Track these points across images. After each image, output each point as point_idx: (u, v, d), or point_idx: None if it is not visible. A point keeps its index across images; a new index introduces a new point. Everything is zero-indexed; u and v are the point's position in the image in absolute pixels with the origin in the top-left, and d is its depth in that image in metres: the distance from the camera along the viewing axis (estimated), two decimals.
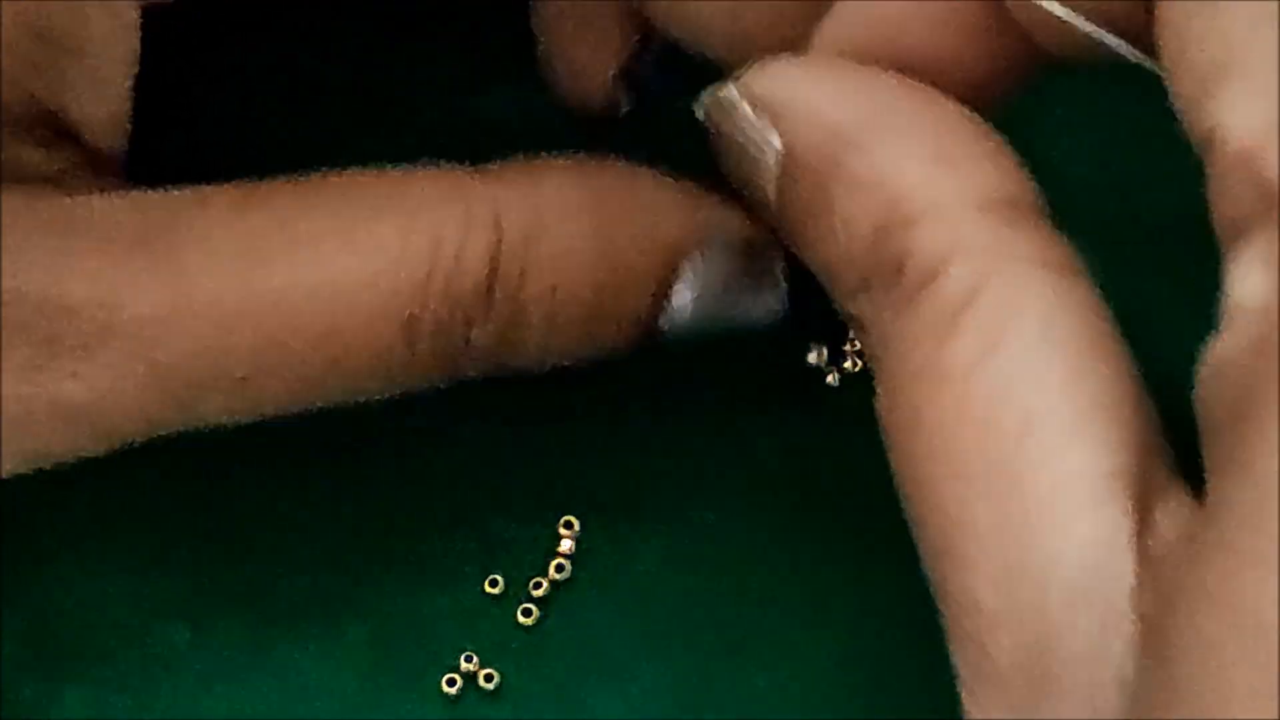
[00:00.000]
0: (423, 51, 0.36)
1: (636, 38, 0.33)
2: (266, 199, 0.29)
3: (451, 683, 0.33)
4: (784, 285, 0.31)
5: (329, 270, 0.28)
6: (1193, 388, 0.35)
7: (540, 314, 0.29)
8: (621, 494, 0.34)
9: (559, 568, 0.33)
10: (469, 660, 0.33)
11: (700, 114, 0.30)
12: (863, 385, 0.35)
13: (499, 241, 0.29)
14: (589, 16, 0.33)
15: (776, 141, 0.28)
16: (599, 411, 0.35)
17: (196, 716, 0.33)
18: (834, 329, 0.35)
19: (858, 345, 0.35)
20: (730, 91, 0.29)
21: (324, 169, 0.30)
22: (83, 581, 0.33)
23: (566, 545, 0.34)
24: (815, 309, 0.34)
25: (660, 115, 0.33)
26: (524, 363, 0.30)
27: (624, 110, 0.34)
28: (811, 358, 0.35)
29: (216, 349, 0.28)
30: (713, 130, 0.29)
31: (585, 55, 0.34)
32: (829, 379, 0.35)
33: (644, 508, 0.34)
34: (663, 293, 0.30)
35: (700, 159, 0.30)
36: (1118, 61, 0.28)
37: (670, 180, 0.31)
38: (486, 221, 0.29)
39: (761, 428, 0.35)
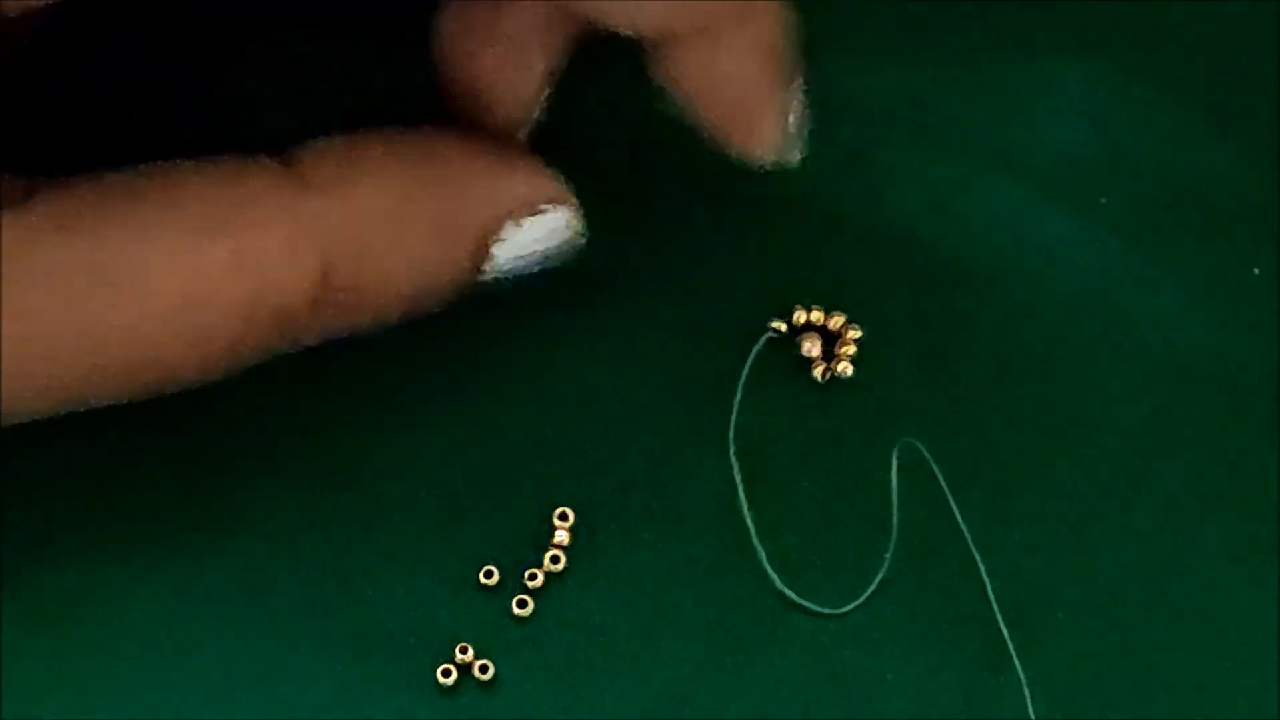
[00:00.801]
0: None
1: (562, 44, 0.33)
2: (93, 216, 0.29)
3: (446, 674, 0.33)
4: (580, 227, 0.32)
5: (154, 301, 0.29)
6: (1189, 368, 0.35)
7: (367, 311, 0.30)
8: (615, 485, 0.34)
9: (554, 559, 0.33)
10: (464, 651, 0.33)
11: None
12: (859, 382, 0.35)
13: (323, 262, 0.29)
14: (508, 29, 0.33)
15: None
16: (592, 403, 0.35)
17: (191, 709, 0.33)
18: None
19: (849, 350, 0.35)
20: None
21: None
22: (75, 575, 0.33)
23: (561, 537, 0.34)
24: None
25: None
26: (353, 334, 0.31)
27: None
28: (806, 348, 0.35)
29: (40, 373, 0.28)
30: None
31: (506, 75, 0.33)
32: (816, 372, 0.35)
33: (638, 499, 0.34)
34: (481, 258, 0.31)
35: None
36: None
37: (483, 148, 0.32)
38: (311, 245, 0.29)
39: (755, 419, 0.35)
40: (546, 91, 0.34)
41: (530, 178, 0.32)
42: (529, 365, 0.35)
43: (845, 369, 0.35)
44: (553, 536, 0.34)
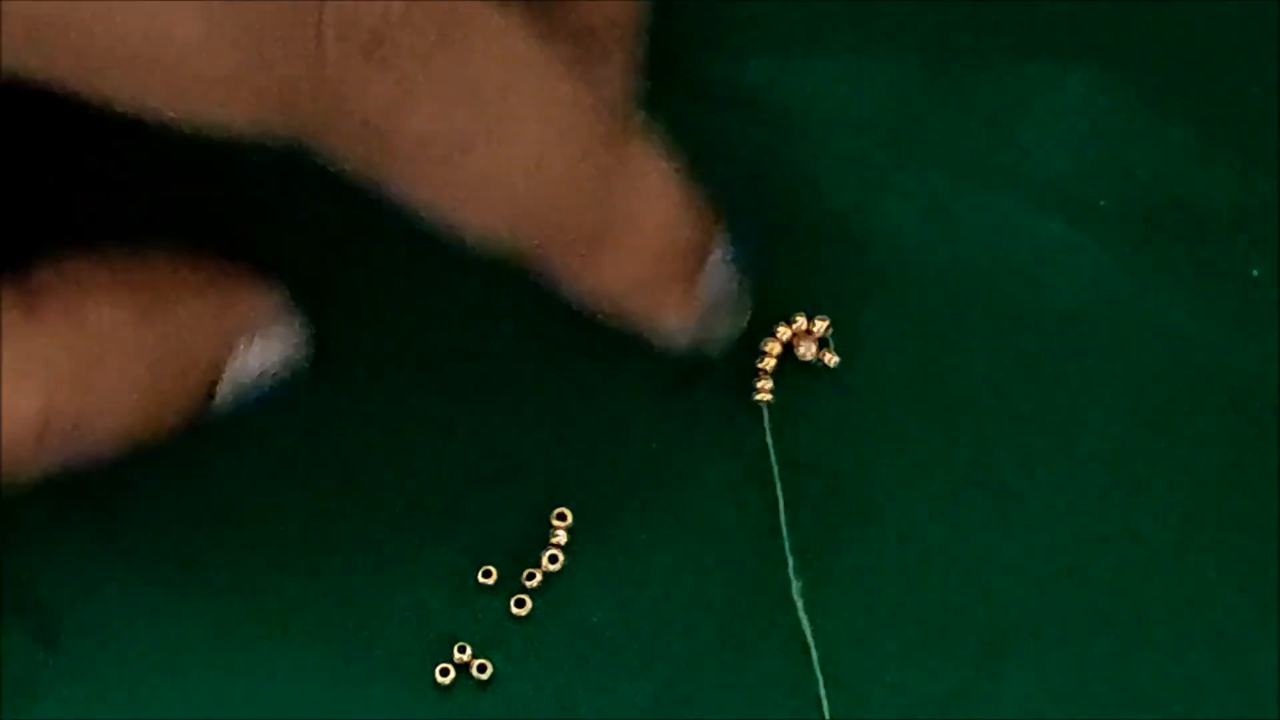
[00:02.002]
0: None
1: None
2: None
3: (445, 673, 0.33)
4: (305, 343, 0.31)
5: None
6: (1185, 373, 0.35)
7: (93, 444, 0.29)
8: (614, 485, 0.34)
9: (552, 558, 0.34)
10: (462, 651, 0.33)
11: None
12: (853, 380, 0.35)
13: (46, 400, 0.28)
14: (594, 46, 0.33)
15: None
16: (591, 402, 0.35)
17: (191, 708, 0.33)
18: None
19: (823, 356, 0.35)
20: None
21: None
22: (73, 576, 0.33)
23: (559, 536, 0.34)
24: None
25: None
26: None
27: None
28: (801, 351, 0.35)
29: None
30: None
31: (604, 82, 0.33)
32: (827, 358, 0.35)
33: (636, 498, 0.34)
34: (211, 387, 0.30)
35: None
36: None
37: (209, 274, 0.31)
38: (34, 383, 0.28)
39: (753, 419, 0.35)
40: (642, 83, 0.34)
41: (254, 302, 0.31)
42: (529, 365, 0.35)
43: (830, 359, 0.35)
44: (551, 536, 0.34)
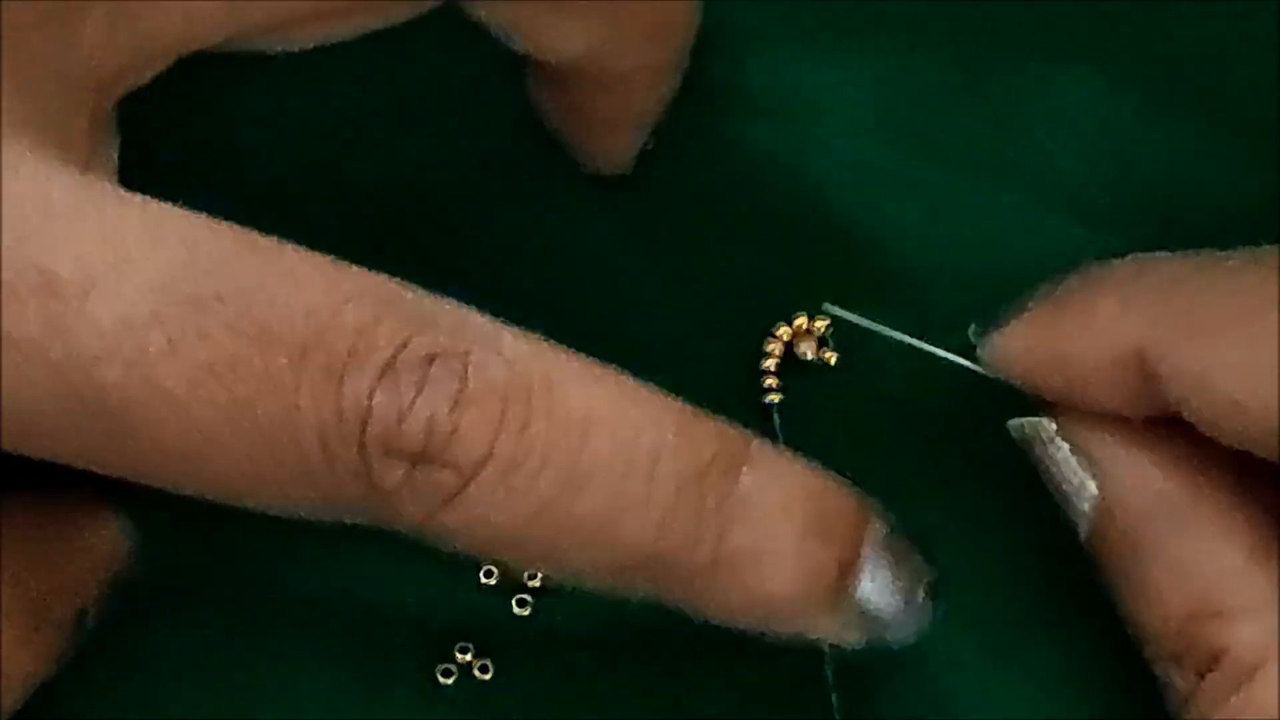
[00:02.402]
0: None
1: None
2: None
3: (447, 673, 0.33)
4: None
5: None
6: None
7: None
8: None
9: None
10: (464, 651, 0.33)
11: (1015, 435, 0.31)
12: (854, 379, 0.35)
13: None
14: (594, 116, 0.34)
15: (1093, 488, 0.30)
16: None
17: (191, 707, 0.33)
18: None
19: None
20: (1048, 428, 0.30)
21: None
22: None
23: None
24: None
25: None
26: None
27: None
28: (801, 350, 0.35)
29: None
30: (1026, 449, 0.31)
31: (610, 148, 0.35)
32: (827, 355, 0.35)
33: None
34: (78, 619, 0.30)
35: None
36: None
37: (56, 512, 0.30)
38: None
39: (752, 414, 0.35)
40: (647, 142, 0.35)
41: (97, 530, 0.31)
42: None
43: (830, 356, 0.35)
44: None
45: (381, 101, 0.37)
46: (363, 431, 0.25)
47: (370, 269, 0.26)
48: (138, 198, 0.26)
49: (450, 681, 0.33)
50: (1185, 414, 0.28)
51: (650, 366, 0.34)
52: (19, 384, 0.25)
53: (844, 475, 0.34)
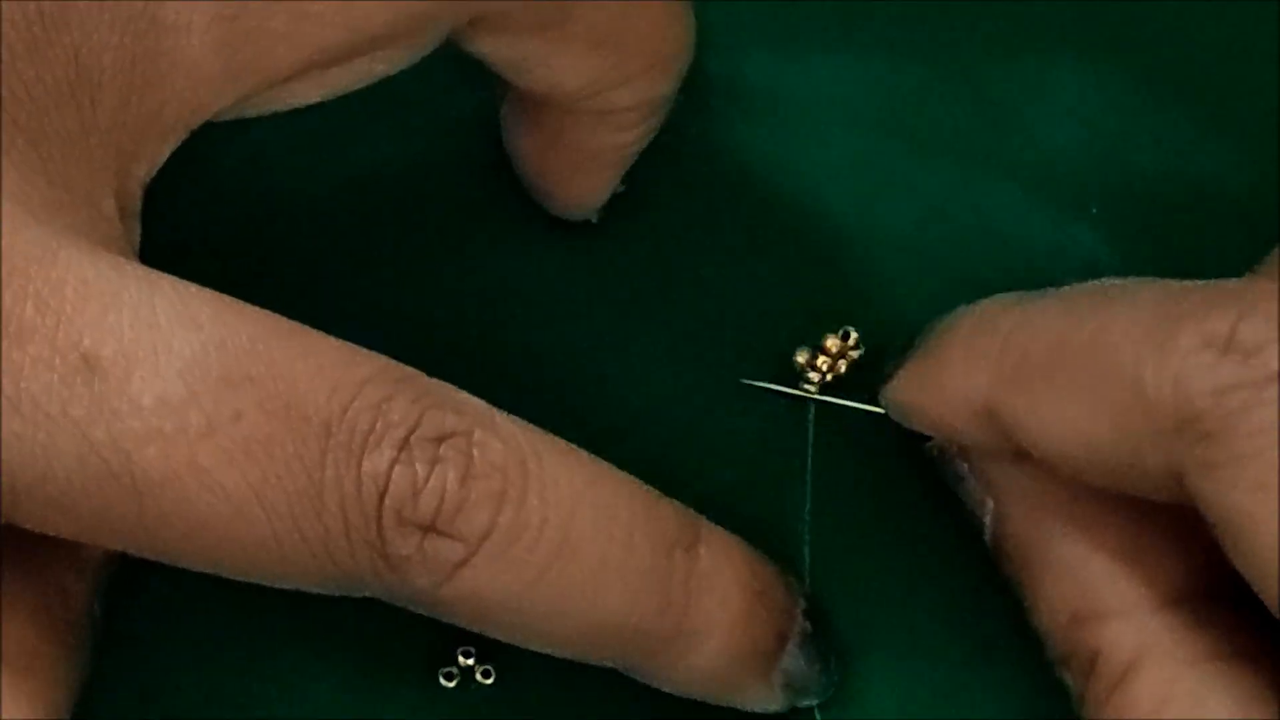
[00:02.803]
0: None
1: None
2: None
3: (449, 676, 0.33)
4: None
5: None
6: None
7: None
8: None
9: None
10: (466, 654, 0.33)
11: (929, 454, 0.33)
12: (854, 381, 0.35)
13: None
14: (582, 153, 0.34)
15: (990, 503, 0.31)
16: (599, 400, 0.35)
17: (193, 708, 0.33)
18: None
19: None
20: (949, 450, 0.32)
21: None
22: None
23: None
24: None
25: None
26: None
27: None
28: (799, 359, 0.35)
29: None
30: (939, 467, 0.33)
31: (584, 189, 0.35)
32: (810, 379, 0.35)
33: None
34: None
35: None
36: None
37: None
38: None
39: (747, 420, 0.35)
40: (619, 186, 0.36)
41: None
42: (528, 364, 0.35)
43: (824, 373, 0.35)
44: None
45: (355, 108, 0.36)
46: (380, 504, 0.27)
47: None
48: (168, 279, 0.27)
49: (452, 684, 0.33)
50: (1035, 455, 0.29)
51: (649, 367, 0.35)
52: (60, 466, 0.26)
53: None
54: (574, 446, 0.29)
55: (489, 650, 0.33)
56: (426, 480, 0.27)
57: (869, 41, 0.37)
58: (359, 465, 0.27)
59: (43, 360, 0.26)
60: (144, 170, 0.29)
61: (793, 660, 0.32)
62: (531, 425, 0.29)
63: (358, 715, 0.33)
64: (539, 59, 0.32)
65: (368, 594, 0.28)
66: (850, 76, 0.37)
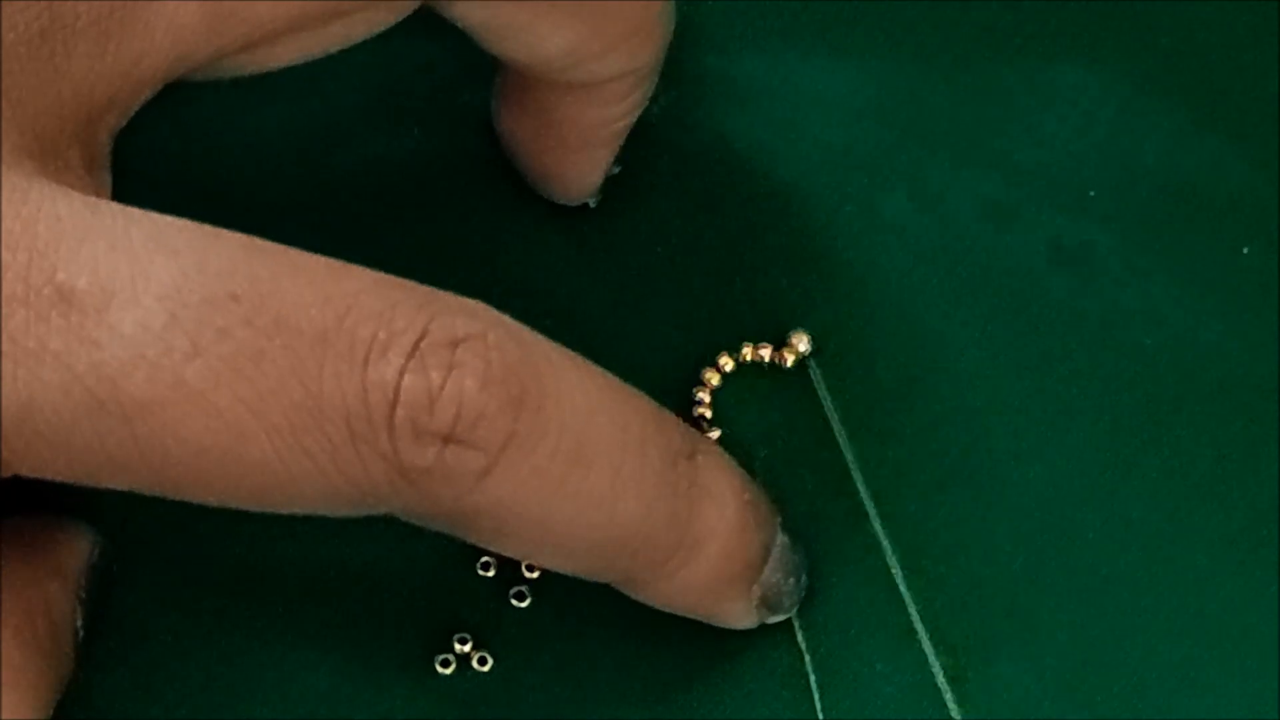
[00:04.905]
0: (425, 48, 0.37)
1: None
2: None
3: (445, 663, 0.33)
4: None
5: None
6: (1179, 359, 0.35)
7: None
8: None
9: None
10: (463, 642, 0.33)
11: None
12: (846, 373, 0.35)
13: None
14: (571, 131, 0.34)
15: None
16: None
17: (189, 697, 0.33)
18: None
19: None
20: None
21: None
22: None
23: None
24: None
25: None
26: None
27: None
28: (799, 344, 0.35)
29: None
30: None
31: (576, 170, 0.35)
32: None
33: None
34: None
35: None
36: None
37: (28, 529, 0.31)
38: None
39: (741, 412, 0.35)
40: (613, 167, 0.35)
41: (69, 543, 0.31)
42: None
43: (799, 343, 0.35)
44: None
45: (356, 101, 0.37)
46: (392, 414, 0.26)
47: None
48: (141, 211, 0.26)
49: (449, 671, 0.33)
50: None
51: (642, 357, 0.35)
52: (45, 401, 0.25)
53: (830, 468, 0.35)
54: (581, 356, 0.28)
55: (485, 638, 0.33)
56: (442, 387, 0.26)
57: (861, 37, 0.37)
58: (363, 374, 0.26)
59: (16, 297, 0.25)
60: (115, 120, 0.29)
61: (772, 573, 0.32)
62: (539, 333, 0.28)
63: (354, 702, 0.33)
64: (518, 25, 0.31)
65: (385, 510, 0.27)
66: (847, 70, 0.37)
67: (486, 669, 0.33)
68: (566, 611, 0.34)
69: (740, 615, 0.32)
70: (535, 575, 0.34)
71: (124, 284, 0.25)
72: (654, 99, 0.35)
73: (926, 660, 0.34)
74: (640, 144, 0.36)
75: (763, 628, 0.33)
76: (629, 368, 0.34)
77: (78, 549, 0.31)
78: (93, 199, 0.26)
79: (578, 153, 0.35)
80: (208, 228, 0.26)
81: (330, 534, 0.34)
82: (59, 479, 0.27)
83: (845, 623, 0.34)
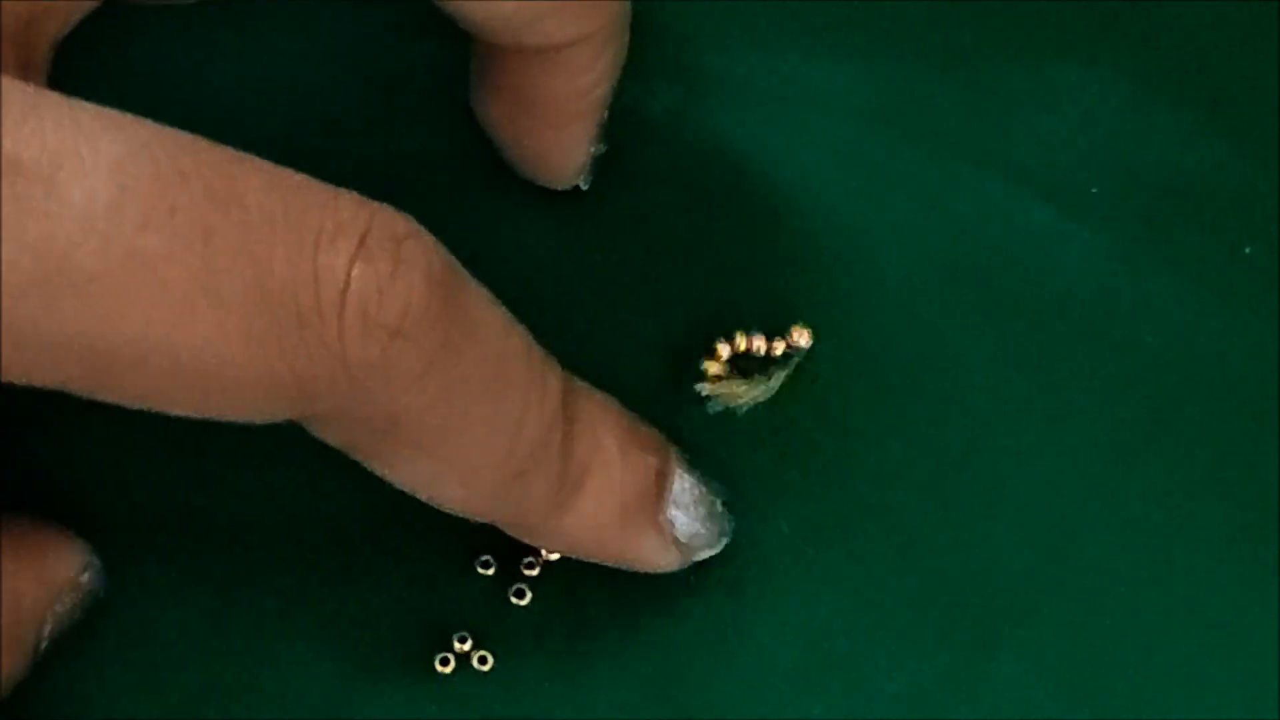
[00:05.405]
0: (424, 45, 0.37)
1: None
2: None
3: (445, 662, 0.33)
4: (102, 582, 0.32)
5: None
6: (1180, 357, 0.35)
7: None
8: None
9: None
10: (462, 641, 0.33)
11: None
12: (845, 367, 0.35)
13: None
14: (546, 105, 0.34)
15: None
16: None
17: (189, 695, 0.33)
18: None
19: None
20: None
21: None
22: None
23: None
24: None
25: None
26: None
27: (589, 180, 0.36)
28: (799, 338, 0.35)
29: None
30: None
31: (558, 149, 0.35)
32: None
33: None
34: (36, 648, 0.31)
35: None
36: None
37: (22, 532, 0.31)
38: None
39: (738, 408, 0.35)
40: (598, 147, 0.35)
41: (62, 556, 0.31)
42: None
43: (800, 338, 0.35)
44: None
45: (356, 101, 0.37)
46: (342, 302, 0.26)
47: None
48: (85, 101, 0.26)
49: (448, 670, 0.33)
50: None
51: (642, 353, 0.35)
52: None
53: (832, 464, 0.35)
54: None
55: (483, 637, 0.33)
56: (391, 279, 0.26)
57: (867, 34, 0.37)
58: (314, 259, 0.25)
59: None
60: (54, 28, 0.29)
61: (675, 505, 0.32)
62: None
63: (354, 702, 0.33)
64: None
65: (311, 413, 0.27)
66: (848, 69, 0.37)
67: (486, 668, 0.33)
68: (565, 610, 0.34)
69: (655, 553, 0.32)
70: (534, 573, 0.34)
71: (71, 156, 0.25)
72: (655, 97, 0.36)
73: (927, 659, 0.34)
74: (640, 141, 0.36)
75: (763, 625, 0.33)
76: (623, 361, 0.35)
77: (69, 563, 0.31)
78: (34, 86, 0.26)
79: (556, 130, 0.34)
80: (151, 121, 0.26)
81: (330, 534, 0.34)
82: (9, 373, 0.26)
83: (845, 621, 0.34)
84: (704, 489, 0.32)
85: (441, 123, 0.36)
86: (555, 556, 0.34)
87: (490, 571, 0.34)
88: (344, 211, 0.26)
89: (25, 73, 0.28)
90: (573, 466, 0.30)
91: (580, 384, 0.31)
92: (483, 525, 0.33)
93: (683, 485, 0.32)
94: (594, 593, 0.34)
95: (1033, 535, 0.34)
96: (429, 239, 0.27)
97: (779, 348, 0.35)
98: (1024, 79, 0.37)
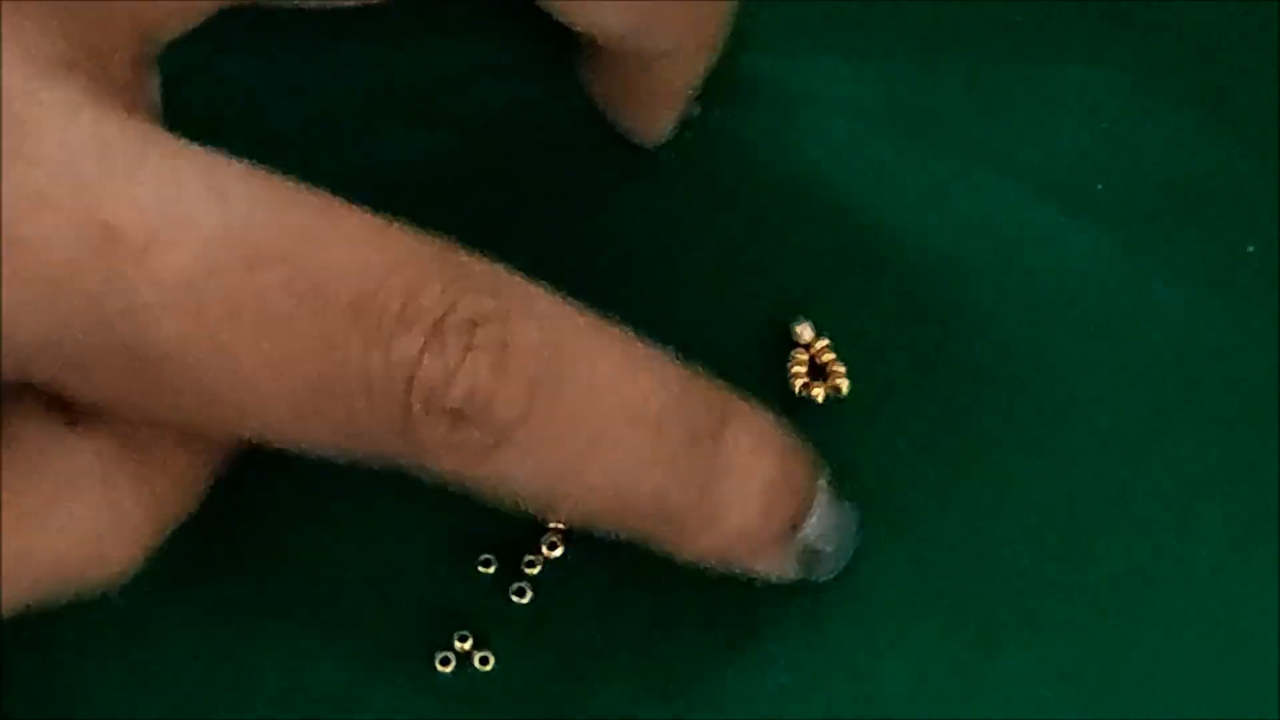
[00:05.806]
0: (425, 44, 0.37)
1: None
2: None
3: (445, 661, 0.33)
4: None
5: None
6: (1184, 355, 0.35)
7: None
8: None
9: (551, 545, 0.34)
10: (463, 639, 0.33)
11: None
12: (851, 367, 0.35)
13: None
14: (643, 93, 0.36)
15: None
16: None
17: (189, 692, 0.33)
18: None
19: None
20: None
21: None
22: None
23: (559, 524, 0.34)
24: None
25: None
26: None
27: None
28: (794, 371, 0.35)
29: None
30: None
31: (653, 123, 0.36)
32: (816, 392, 0.35)
33: None
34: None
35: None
36: None
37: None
38: None
39: None
40: (695, 109, 0.36)
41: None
42: None
43: (841, 385, 0.35)
44: (550, 522, 0.34)
45: (356, 101, 0.37)
46: (409, 390, 0.26)
47: None
48: (195, 147, 0.26)
49: (449, 669, 0.33)
50: None
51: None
52: (71, 335, 0.25)
53: (835, 463, 0.35)
54: (609, 324, 0.29)
55: (484, 635, 0.33)
56: (458, 368, 0.26)
57: (874, 34, 0.38)
58: (388, 348, 0.26)
59: (58, 231, 0.25)
60: (166, 34, 0.29)
61: (808, 536, 0.31)
62: (570, 302, 0.28)
63: (354, 701, 0.33)
64: (575, 8, 0.32)
65: (390, 466, 0.28)
66: (848, 70, 0.37)
67: (488, 667, 0.33)
68: (567, 608, 0.33)
69: (776, 571, 0.32)
70: (535, 571, 0.34)
71: (168, 228, 0.25)
72: None
73: (930, 658, 0.33)
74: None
75: (766, 627, 0.33)
76: None
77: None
78: (145, 125, 0.26)
79: (651, 109, 0.36)
80: (262, 172, 0.26)
81: (331, 533, 0.34)
82: (75, 397, 0.27)
83: (852, 619, 0.34)
84: (840, 522, 0.32)
85: (441, 125, 0.36)
86: (556, 555, 0.34)
87: (491, 570, 0.34)
88: (427, 296, 0.26)
89: (135, 66, 0.28)
90: (704, 511, 0.30)
91: (741, 418, 0.30)
92: (483, 523, 0.33)
93: (820, 522, 0.32)
94: (595, 591, 0.34)
95: (1036, 534, 0.34)
96: (517, 314, 0.27)
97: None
98: (1028, 78, 0.37)
